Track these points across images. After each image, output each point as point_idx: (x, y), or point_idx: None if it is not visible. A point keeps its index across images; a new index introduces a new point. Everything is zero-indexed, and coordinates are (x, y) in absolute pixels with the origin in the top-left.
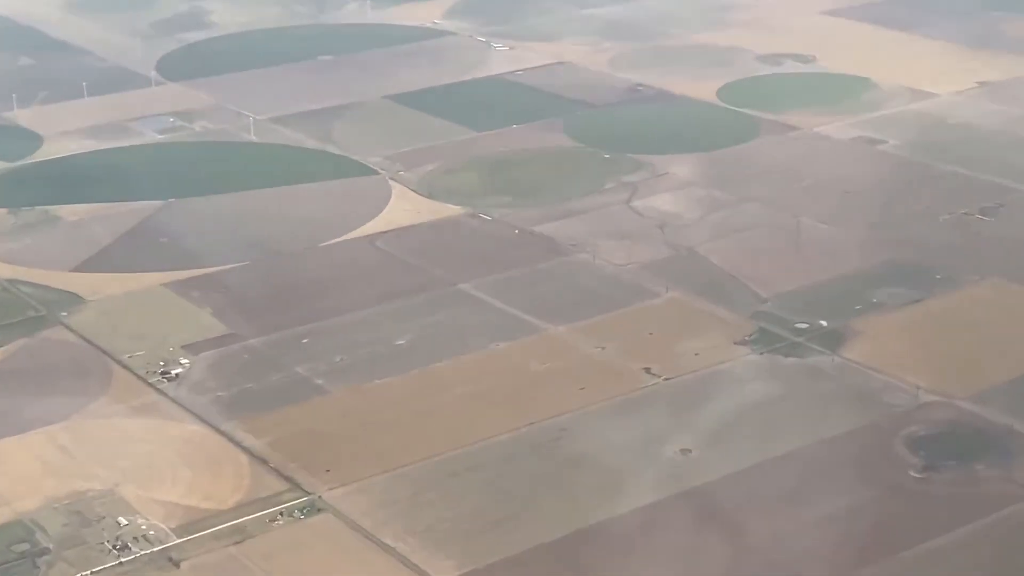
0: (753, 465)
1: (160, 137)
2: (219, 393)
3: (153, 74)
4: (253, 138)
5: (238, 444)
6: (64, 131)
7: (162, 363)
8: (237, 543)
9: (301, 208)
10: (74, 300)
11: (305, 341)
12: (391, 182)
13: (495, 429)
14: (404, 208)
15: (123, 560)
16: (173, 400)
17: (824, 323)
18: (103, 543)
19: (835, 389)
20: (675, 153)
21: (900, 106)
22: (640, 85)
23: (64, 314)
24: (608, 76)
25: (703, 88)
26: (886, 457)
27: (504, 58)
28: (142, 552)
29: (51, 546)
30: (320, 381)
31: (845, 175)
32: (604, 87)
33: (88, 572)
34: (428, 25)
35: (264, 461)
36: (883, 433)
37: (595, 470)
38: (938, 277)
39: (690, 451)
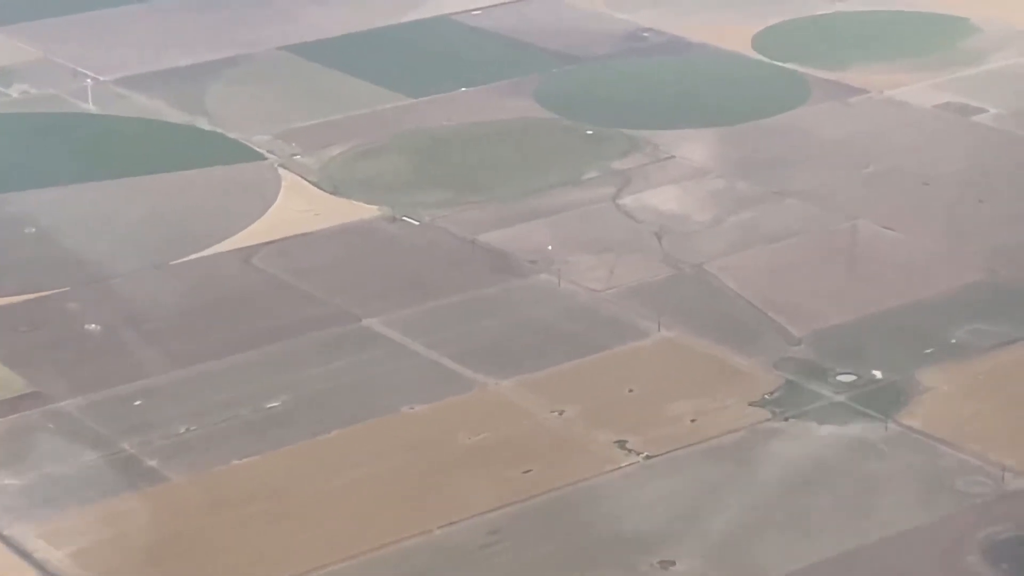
0: None
1: None
2: (7, 481)
3: None
4: (91, 108)
5: (27, 556)
6: None
7: None
8: None
9: (150, 209)
10: None
11: (138, 404)
12: (282, 171)
13: (398, 531)
14: (296, 208)
15: None
16: None
17: (878, 374)
18: None
19: (888, 471)
20: (687, 127)
21: (1009, 59)
22: (646, 30)
23: None
24: (603, 17)
25: (733, 34)
26: (954, 570)
27: None
28: None
29: None
30: (154, 462)
31: (925, 159)
32: (596, 33)
33: None
34: None
35: None
36: (952, 535)
37: None
38: None
39: (673, 564)
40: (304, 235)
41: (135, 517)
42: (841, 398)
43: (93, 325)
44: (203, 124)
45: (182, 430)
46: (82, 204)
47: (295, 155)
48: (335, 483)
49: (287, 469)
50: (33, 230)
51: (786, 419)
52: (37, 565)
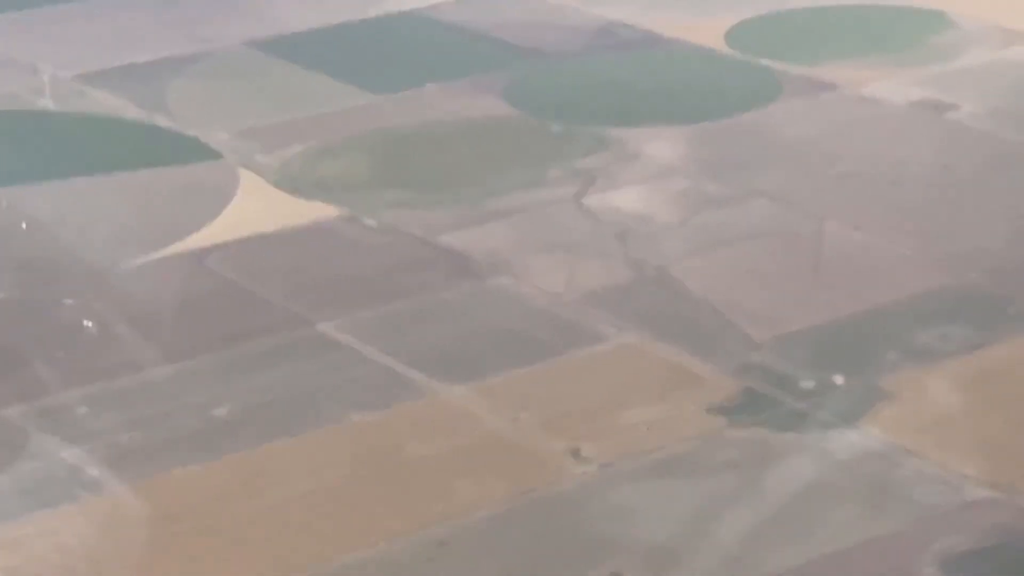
0: None
1: None
2: None
3: None
4: (50, 105)
5: None
6: None
7: None
8: None
9: (102, 210)
10: None
11: (82, 411)
12: (240, 170)
13: (341, 545)
14: (253, 209)
15: None
16: None
17: (840, 380)
18: None
19: (845, 480)
20: (655, 125)
21: (985, 55)
22: (618, 25)
23: None
24: (575, 11)
25: (707, 29)
26: None
27: None
28: None
29: None
30: (95, 472)
31: (896, 158)
32: (567, 28)
33: None
34: None
35: None
36: (907, 547)
37: None
38: (1011, 311)
39: None
40: (259, 236)
41: (73, 530)
42: (801, 405)
43: (36, 331)
44: (162, 122)
45: (126, 438)
46: (31, 206)
47: (255, 154)
48: (277, 494)
49: (229, 480)
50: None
51: (744, 427)
52: None
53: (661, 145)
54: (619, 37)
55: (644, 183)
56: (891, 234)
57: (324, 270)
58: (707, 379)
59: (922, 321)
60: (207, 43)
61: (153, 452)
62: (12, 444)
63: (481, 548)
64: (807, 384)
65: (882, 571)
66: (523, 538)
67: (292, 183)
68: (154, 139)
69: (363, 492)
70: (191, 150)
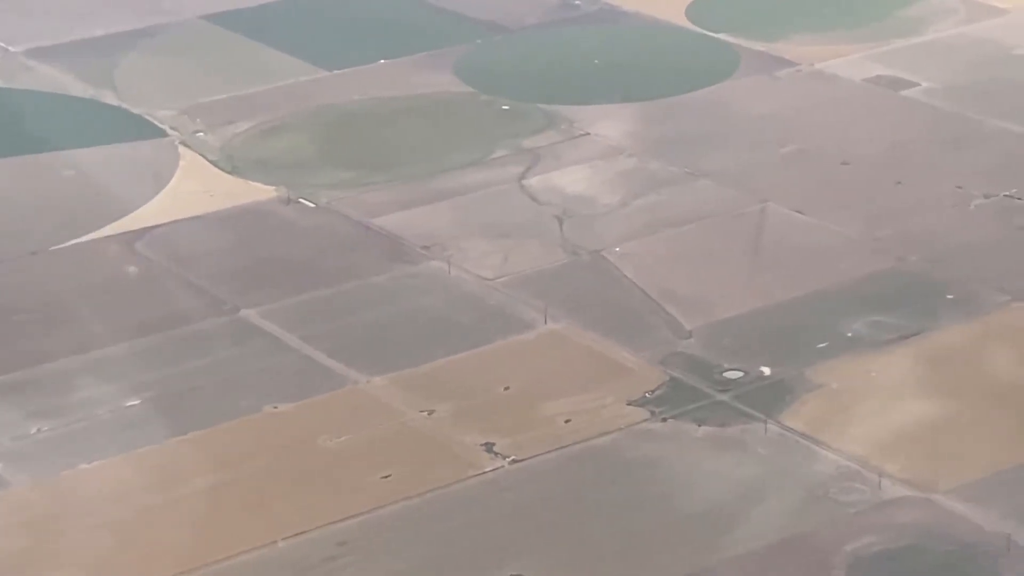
0: None
1: None
2: None
3: None
4: None
5: None
6: None
7: None
8: None
9: (38, 190)
10: None
11: None
12: (181, 148)
13: (239, 543)
14: (190, 190)
15: None
16: None
17: (766, 371)
18: None
19: (761, 477)
20: (606, 103)
21: (949, 28)
22: None
23: None
24: None
25: (668, 2)
26: None
27: None
28: None
29: None
30: None
31: (847, 137)
32: (526, 1)
33: None
34: None
35: None
36: (818, 548)
37: None
38: (950, 297)
39: None
40: (194, 218)
41: None
42: (724, 397)
43: None
44: (108, 98)
45: (33, 431)
46: None
47: (198, 132)
48: (181, 490)
49: (134, 474)
50: None
51: (664, 420)
52: None
53: (611, 123)
54: (578, 10)
55: (589, 163)
56: (835, 216)
57: (255, 254)
58: (632, 369)
59: (858, 308)
60: (163, 16)
61: (60, 446)
62: None
63: (381, 548)
64: (733, 375)
65: (789, 574)
66: (426, 538)
67: (232, 162)
68: (98, 116)
69: (270, 487)
70: (134, 128)
